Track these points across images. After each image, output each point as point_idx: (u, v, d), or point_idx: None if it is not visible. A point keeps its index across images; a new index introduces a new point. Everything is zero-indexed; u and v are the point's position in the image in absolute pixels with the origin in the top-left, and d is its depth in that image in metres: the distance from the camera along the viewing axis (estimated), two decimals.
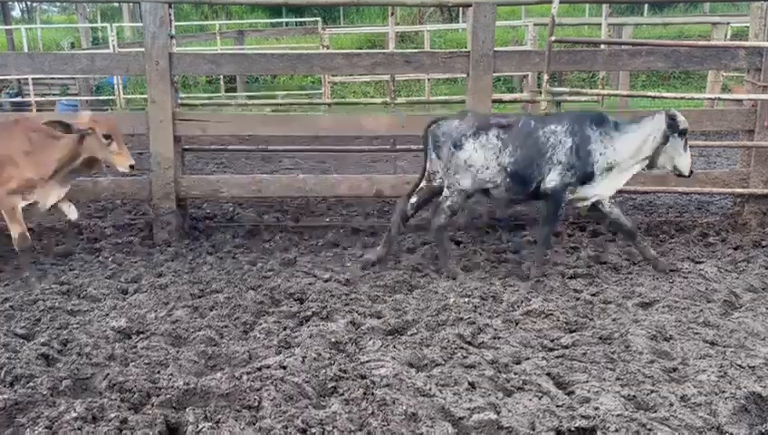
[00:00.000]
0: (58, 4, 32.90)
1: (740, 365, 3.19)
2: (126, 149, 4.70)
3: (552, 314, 3.90)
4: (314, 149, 7.62)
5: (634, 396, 2.89)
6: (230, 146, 7.27)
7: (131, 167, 4.71)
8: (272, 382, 2.94)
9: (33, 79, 14.82)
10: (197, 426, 2.63)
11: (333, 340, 3.51)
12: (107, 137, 4.63)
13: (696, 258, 5.14)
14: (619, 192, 6.48)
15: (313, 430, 2.60)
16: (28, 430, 2.62)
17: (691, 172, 4.81)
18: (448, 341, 3.48)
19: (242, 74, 15.57)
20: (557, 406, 2.83)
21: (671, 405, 2.81)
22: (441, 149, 4.70)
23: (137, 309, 4.05)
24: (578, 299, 4.23)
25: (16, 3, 30.88)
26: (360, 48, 17.38)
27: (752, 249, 5.31)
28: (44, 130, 4.66)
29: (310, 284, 4.53)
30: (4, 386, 2.99)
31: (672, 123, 4.59)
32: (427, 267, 4.93)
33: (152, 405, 2.82)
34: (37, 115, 4.89)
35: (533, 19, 13.91)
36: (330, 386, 3.00)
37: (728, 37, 11.36)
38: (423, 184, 4.92)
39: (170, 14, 5.59)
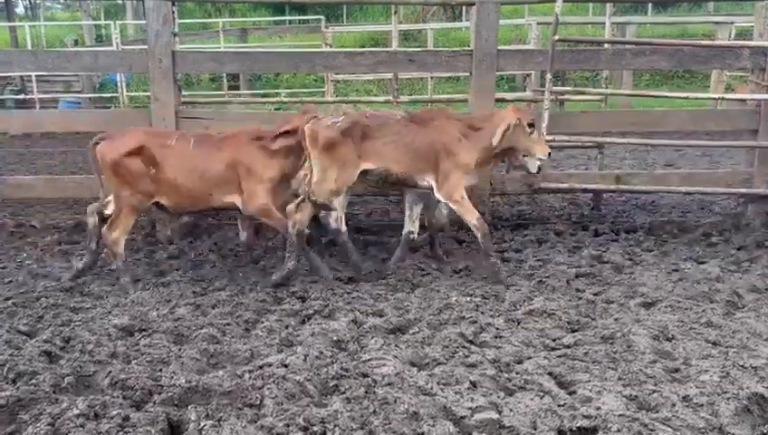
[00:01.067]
0: (62, 1, 32.97)
1: (742, 366, 3.18)
2: (543, 138, 4.61)
3: (554, 314, 3.89)
4: None
5: (636, 396, 2.88)
6: None
7: (549, 155, 4.67)
8: (274, 381, 2.95)
9: (36, 76, 14.83)
10: (199, 424, 2.63)
11: (335, 338, 3.51)
12: (530, 126, 4.55)
13: (699, 258, 5.13)
14: (622, 192, 6.51)
15: (315, 429, 2.60)
16: (30, 426, 2.62)
17: None
18: (450, 340, 3.48)
19: (245, 72, 15.56)
20: (559, 405, 2.82)
21: (673, 405, 2.80)
22: None
23: (139, 307, 4.06)
24: (580, 299, 4.22)
25: (20, 0, 30.95)
26: (363, 46, 17.34)
27: (755, 249, 5.30)
28: (468, 121, 4.63)
29: (312, 282, 4.53)
30: (7, 383, 3.00)
31: None
32: (430, 266, 4.93)
33: (154, 403, 2.82)
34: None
35: (537, 18, 13.87)
36: (331, 384, 3.00)
37: (732, 37, 11.33)
38: None
39: (174, 12, 5.60)
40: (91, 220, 4.61)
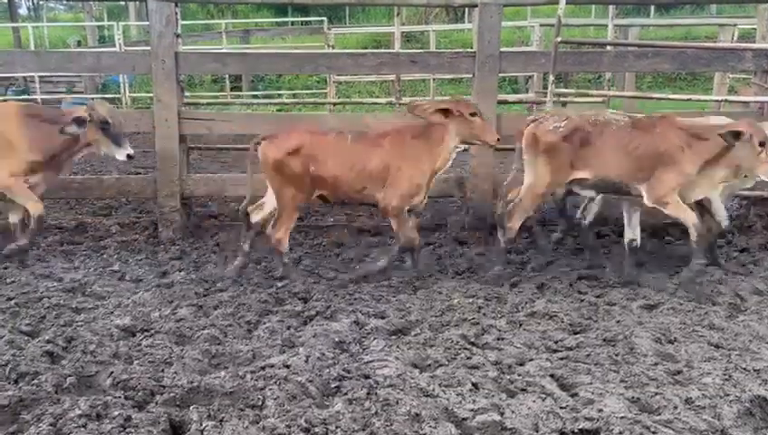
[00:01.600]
0: (65, 2, 33.03)
1: (745, 368, 3.18)
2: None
3: (556, 316, 3.89)
4: None
5: (638, 398, 2.88)
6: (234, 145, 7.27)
7: None
8: (275, 382, 2.95)
9: (39, 77, 14.87)
10: (201, 424, 2.63)
11: (337, 339, 3.52)
12: (761, 144, 4.17)
13: None
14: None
15: (317, 430, 2.60)
16: (32, 427, 2.62)
17: None
18: (452, 341, 3.48)
19: (247, 73, 15.58)
20: (561, 408, 2.82)
21: (675, 408, 2.80)
22: None
23: (141, 307, 4.06)
24: (582, 301, 4.22)
25: (23, 0, 31.03)
26: (366, 48, 17.34)
27: (757, 252, 5.29)
28: (693, 129, 4.41)
29: (314, 283, 4.53)
30: (9, 383, 3.00)
31: None
32: (432, 268, 4.93)
33: (156, 403, 2.83)
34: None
35: (539, 20, 13.84)
36: (333, 386, 3.00)
37: (735, 39, 11.30)
38: None
39: (176, 13, 5.62)
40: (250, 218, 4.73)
